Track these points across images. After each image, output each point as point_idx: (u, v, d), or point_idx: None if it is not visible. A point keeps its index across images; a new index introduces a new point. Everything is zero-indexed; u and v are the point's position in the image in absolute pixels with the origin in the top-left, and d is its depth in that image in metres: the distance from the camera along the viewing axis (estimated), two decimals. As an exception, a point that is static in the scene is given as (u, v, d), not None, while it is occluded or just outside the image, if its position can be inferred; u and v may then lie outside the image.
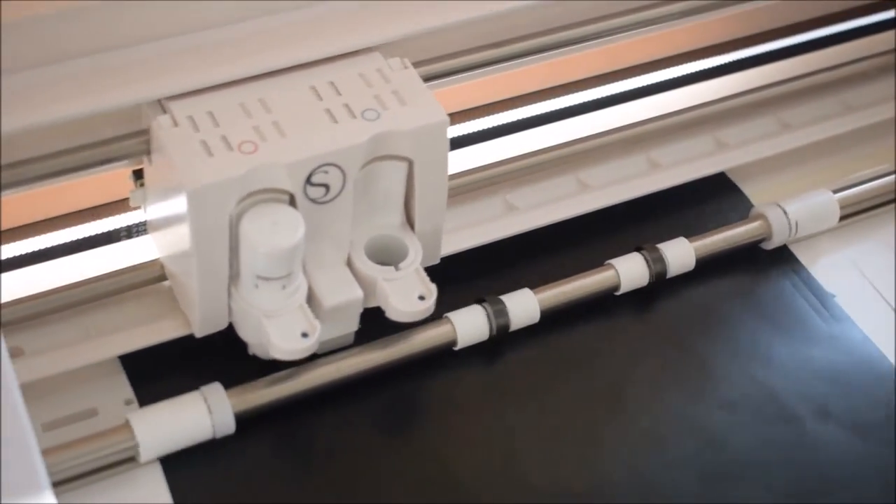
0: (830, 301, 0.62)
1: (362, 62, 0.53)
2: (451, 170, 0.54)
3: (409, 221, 0.55)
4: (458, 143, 0.63)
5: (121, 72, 0.51)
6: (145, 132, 0.51)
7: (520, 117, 0.67)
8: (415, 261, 0.54)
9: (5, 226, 0.56)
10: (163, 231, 0.53)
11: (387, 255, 0.54)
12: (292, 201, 0.50)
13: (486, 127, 0.66)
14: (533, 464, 0.53)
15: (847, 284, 0.63)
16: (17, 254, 0.58)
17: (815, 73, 0.71)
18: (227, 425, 0.51)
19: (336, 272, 0.53)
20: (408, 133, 0.51)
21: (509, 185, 0.63)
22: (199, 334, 0.53)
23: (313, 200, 0.50)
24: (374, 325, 0.54)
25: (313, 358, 0.53)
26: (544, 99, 0.68)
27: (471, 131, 0.66)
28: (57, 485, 0.47)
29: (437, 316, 0.55)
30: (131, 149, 0.51)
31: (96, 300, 0.55)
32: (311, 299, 0.52)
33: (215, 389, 0.52)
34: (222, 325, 0.53)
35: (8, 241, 0.57)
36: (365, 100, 0.52)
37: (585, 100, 0.69)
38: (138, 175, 0.54)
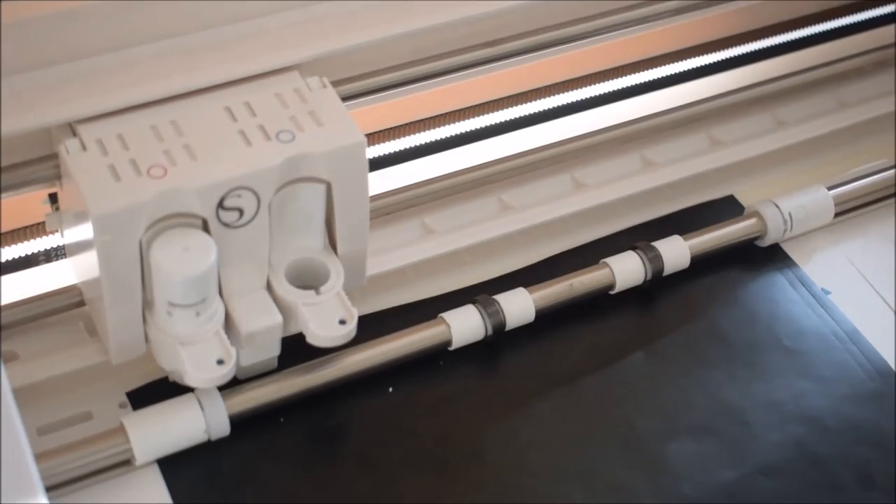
0: (825, 298, 0.61)
1: (280, 82, 0.52)
2: (447, 169, 0.56)
3: (332, 244, 0.53)
4: (449, 144, 0.64)
5: (29, 94, 0.48)
6: (55, 156, 0.49)
7: (511, 117, 0.67)
8: (336, 284, 0.52)
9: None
10: (77, 256, 0.52)
11: (309, 278, 0.52)
12: (205, 226, 0.48)
13: (477, 127, 0.66)
14: (535, 458, 0.53)
15: (842, 281, 0.63)
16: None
17: (810, 70, 0.70)
18: (222, 427, 0.51)
19: (255, 297, 0.51)
20: (324, 155, 0.49)
21: (503, 185, 0.63)
22: (114, 361, 0.51)
23: (227, 225, 0.48)
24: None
25: (312, 358, 0.53)
26: (538, 98, 0.68)
27: (461, 132, 0.66)
28: (52, 489, 0.48)
29: (431, 316, 0.56)
30: (42, 173, 0.49)
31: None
32: (229, 325, 0.50)
33: (210, 392, 0.51)
34: (139, 352, 0.51)
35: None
36: (280, 121, 0.50)
37: (579, 98, 0.69)
38: (53, 199, 0.52)
